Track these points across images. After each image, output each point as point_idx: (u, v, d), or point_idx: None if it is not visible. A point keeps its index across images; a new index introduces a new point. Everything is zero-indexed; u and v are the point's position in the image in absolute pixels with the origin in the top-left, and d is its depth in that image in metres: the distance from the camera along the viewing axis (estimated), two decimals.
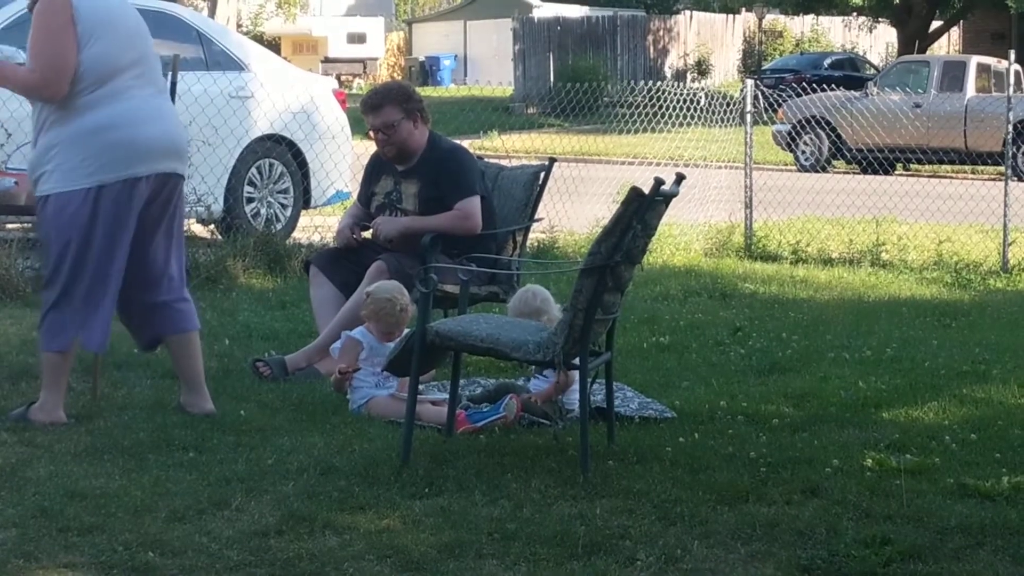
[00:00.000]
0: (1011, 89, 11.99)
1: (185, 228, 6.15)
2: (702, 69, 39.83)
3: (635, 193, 4.91)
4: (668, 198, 5.10)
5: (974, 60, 23.15)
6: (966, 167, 21.84)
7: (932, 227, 12.09)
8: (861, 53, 40.57)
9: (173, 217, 5.68)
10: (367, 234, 6.98)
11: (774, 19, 42.03)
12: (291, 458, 5.07)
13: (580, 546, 4.19)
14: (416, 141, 6.81)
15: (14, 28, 9.57)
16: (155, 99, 5.60)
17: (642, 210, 4.94)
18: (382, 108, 6.75)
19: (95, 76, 5.42)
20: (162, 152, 5.54)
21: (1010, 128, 12.00)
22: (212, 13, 34.98)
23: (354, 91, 32.29)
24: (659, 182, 4.97)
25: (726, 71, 40.70)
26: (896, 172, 19.08)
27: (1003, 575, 4.02)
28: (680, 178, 5.19)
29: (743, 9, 41.42)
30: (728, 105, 13.05)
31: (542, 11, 39.46)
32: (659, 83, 13.81)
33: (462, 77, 41.77)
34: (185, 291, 5.76)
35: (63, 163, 5.42)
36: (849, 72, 32.44)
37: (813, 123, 21.44)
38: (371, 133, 6.86)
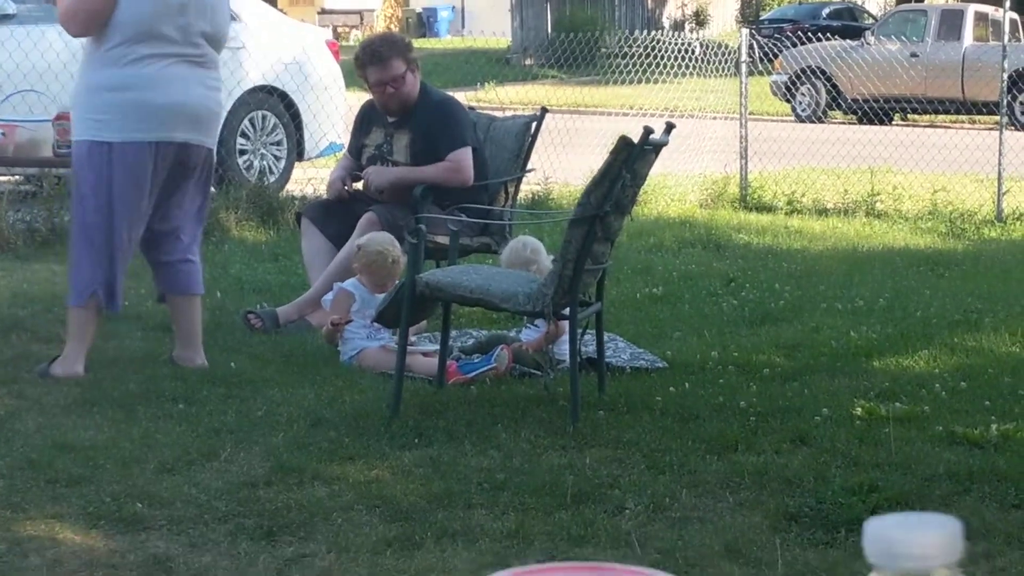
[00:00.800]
0: (1006, 37, 11.89)
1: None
2: (700, 19, 39.61)
3: (624, 142, 4.89)
4: (657, 147, 5.08)
5: (972, 8, 22.99)
6: (963, 116, 21.74)
7: (927, 177, 12.04)
8: (859, 2, 40.35)
9: (192, 187, 5.60)
10: (358, 185, 6.94)
11: None
12: (281, 409, 5.07)
13: (569, 495, 4.19)
14: (414, 92, 6.76)
15: None
16: (181, 67, 5.44)
17: (631, 159, 4.91)
18: (391, 61, 6.63)
19: (127, 34, 5.33)
20: (175, 120, 5.43)
21: (1005, 77, 11.94)
22: None
23: (351, 43, 32.12)
24: (648, 131, 4.94)
25: (724, 21, 40.45)
26: (893, 122, 19.02)
27: (989, 520, 4.02)
28: (670, 127, 5.17)
29: None
30: (725, 55, 12.98)
31: None
32: (655, 32, 13.73)
33: (459, 28, 41.52)
34: (191, 252, 5.68)
35: (81, 112, 5.42)
36: (847, 21, 32.24)
37: (810, 73, 21.32)
38: (372, 87, 6.73)
